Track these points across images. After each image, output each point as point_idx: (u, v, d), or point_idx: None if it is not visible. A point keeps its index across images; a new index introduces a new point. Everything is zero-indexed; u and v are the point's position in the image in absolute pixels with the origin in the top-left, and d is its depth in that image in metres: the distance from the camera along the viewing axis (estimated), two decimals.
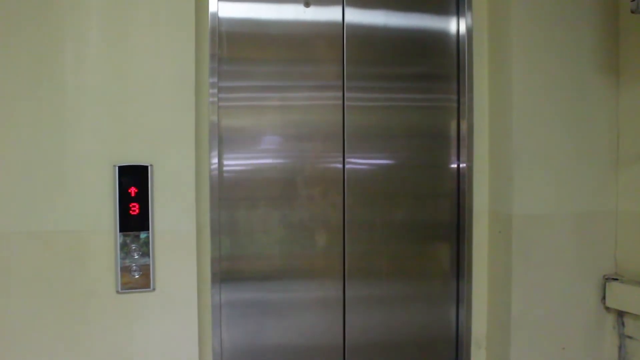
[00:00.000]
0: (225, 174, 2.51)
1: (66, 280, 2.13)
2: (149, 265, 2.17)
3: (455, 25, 2.85)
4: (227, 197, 2.52)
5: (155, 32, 2.23)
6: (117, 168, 2.13)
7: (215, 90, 2.46)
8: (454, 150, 2.86)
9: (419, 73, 2.88)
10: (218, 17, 2.48)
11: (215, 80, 2.46)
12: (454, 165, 2.86)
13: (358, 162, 3.00)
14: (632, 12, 2.45)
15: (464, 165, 2.83)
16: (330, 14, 2.71)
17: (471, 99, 2.81)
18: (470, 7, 2.81)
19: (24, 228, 2.09)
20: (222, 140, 2.49)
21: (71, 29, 2.13)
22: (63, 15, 2.11)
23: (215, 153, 2.44)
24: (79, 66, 2.13)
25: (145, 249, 2.17)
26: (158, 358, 2.22)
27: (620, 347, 2.84)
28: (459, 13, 2.84)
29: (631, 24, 2.72)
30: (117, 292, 2.16)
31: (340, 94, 2.73)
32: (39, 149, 2.09)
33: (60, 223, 2.11)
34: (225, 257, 2.53)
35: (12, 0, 2.08)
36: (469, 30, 2.82)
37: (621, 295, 2.79)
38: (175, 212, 2.24)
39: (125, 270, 2.15)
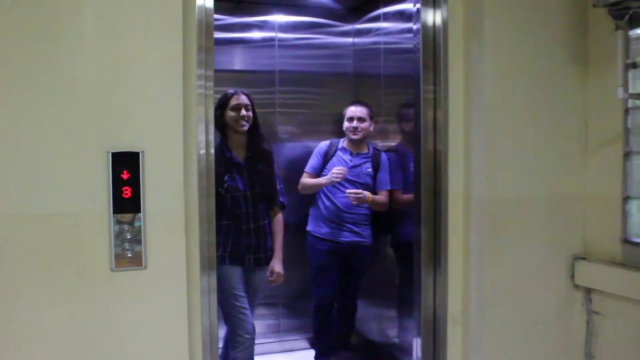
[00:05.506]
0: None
1: (63, 259, 2.23)
2: (141, 245, 2.28)
3: (431, 17, 2.93)
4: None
5: (145, 25, 2.31)
6: (110, 154, 2.24)
7: (203, 81, 2.51)
8: (431, 138, 2.96)
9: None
10: (205, 8, 2.51)
11: (203, 71, 2.51)
12: (432, 152, 2.96)
13: None
14: (594, 6, 2.57)
15: (440, 151, 2.93)
16: None
17: (446, 89, 2.89)
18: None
19: (24, 210, 2.20)
20: (209, 129, 2.54)
21: (67, 24, 2.22)
22: (59, 11, 2.21)
23: (202, 141, 2.50)
24: (75, 61, 2.23)
25: (137, 230, 2.27)
26: (149, 331, 2.34)
27: (587, 322, 2.97)
28: (435, 5, 2.92)
29: (598, 17, 2.80)
30: (112, 270, 2.26)
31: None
32: (37, 137, 2.20)
33: (57, 206, 2.21)
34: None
35: None
36: (445, 22, 2.90)
37: (589, 274, 2.92)
38: (165, 196, 2.34)
39: (118, 249, 2.25)
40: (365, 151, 4.27)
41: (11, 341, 2.22)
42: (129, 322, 2.32)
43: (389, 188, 4.21)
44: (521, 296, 2.93)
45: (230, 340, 3.48)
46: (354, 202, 4.06)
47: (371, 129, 4.23)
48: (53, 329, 2.25)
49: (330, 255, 4.18)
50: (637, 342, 2.73)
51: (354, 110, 4.18)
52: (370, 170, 4.21)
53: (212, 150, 2.54)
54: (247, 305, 3.45)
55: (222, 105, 3.46)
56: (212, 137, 2.54)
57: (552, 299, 2.99)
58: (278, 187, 3.65)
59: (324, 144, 4.29)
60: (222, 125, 3.47)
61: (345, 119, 4.21)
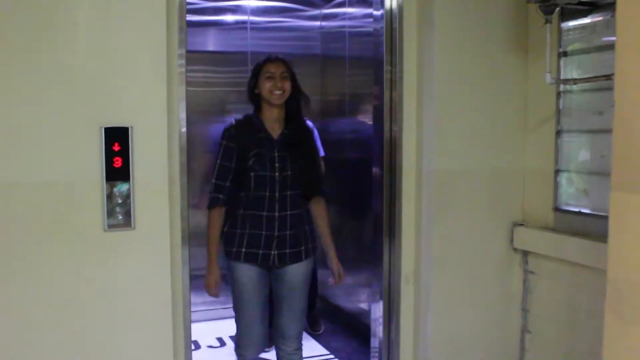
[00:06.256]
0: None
1: (62, 221, 2.47)
2: (130, 208, 2.52)
3: (389, 3, 3.15)
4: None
5: (133, 10, 2.52)
6: (103, 129, 2.47)
7: (183, 61, 2.68)
8: (388, 116, 3.22)
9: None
10: None
11: (183, 51, 2.67)
12: (388, 129, 3.23)
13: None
14: (527, 2, 2.81)
15: (396, 128, 3.20)
16: None
17: (401, 70, 3.14)
18: None
19: (28, 179, 2.42)
20: (189, 105, 2.74)
21: (62, 16, 2.43)
22: (56, 5, 2.42)
23: (183, 117, 2.70)
24: (70, 49, 2.44)
25: (126, 196, 2.51)
26: (137, 282, 2.60)
27: (524, 281, 3.28)
28: None
29: (535, 10, 2.98)
30: (104, 230, 2.51)
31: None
32: (38, 116, 2.42)
33: (57, 175, 2.45)
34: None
35: None
36: (400, 7, 3.12)
37: (526, 238, 3.22)
38: (151, 166, 2.57)
39: (110, 212, 2.50)
40: None
41: (13, 296, 2.46)
42: (120, 275, 2.58)
43: (322, 155, 4.24)
44: (466, 258, 3.23)
45: (236, 344, 3.12)
46: None
47: None
48: (52, 282, 2.50)
49: None
50: (565, 297, 3.06)
51: None
52: None
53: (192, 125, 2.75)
54: (259, 312, 2.96)
55: (255, 74, 2.92)
56: (185, 115, 2.75)
57: (494, 261, 3.29)
58: (320, 173, 3.15)
59: None
60: (255, 96, 2.93)
61: None
